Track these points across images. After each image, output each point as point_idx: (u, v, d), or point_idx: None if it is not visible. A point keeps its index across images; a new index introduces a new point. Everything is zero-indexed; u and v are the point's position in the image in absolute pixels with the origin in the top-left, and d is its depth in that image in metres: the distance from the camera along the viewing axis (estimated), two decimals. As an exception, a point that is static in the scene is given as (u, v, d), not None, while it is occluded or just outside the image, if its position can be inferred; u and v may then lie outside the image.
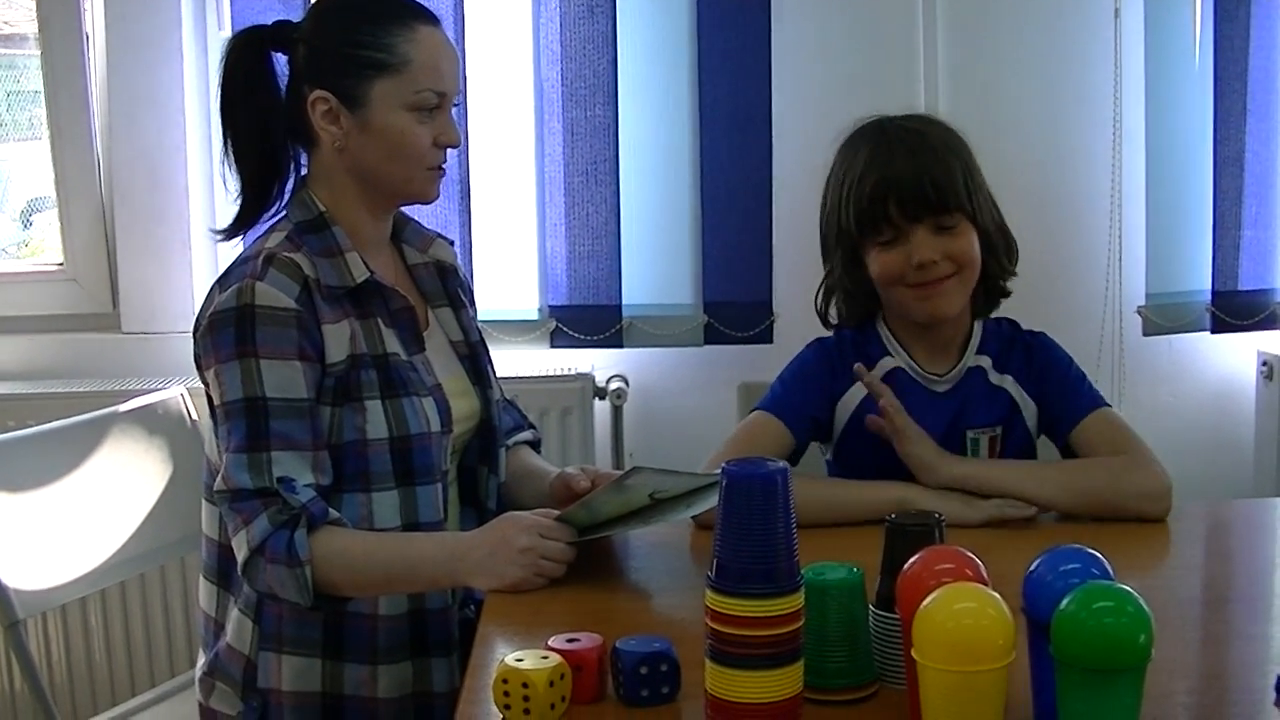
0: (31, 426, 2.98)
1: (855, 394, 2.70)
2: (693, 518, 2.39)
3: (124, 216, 4.00)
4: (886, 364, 2.71)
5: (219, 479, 2.33)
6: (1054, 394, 2.69)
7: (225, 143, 2.53)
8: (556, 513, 2.29)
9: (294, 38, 2.50)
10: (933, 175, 2.57)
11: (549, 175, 3.95)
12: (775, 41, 3.93)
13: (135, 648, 3.87)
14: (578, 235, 3.94)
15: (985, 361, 2.70)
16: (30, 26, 4.06)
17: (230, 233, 2.58)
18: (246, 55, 2.51)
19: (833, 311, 2.81)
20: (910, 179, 2.57)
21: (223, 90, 2.53)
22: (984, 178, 2.69)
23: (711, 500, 2.25)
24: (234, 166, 2.53)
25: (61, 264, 4.11)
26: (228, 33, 3.91)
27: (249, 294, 2.33)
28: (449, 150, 2.54)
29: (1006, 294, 2.75)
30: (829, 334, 2.80)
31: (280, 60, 2.53)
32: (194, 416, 3.14)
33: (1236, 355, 4.18)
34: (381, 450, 2.39)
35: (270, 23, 2.54)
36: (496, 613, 2.13)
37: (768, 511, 1.61)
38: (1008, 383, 2.69)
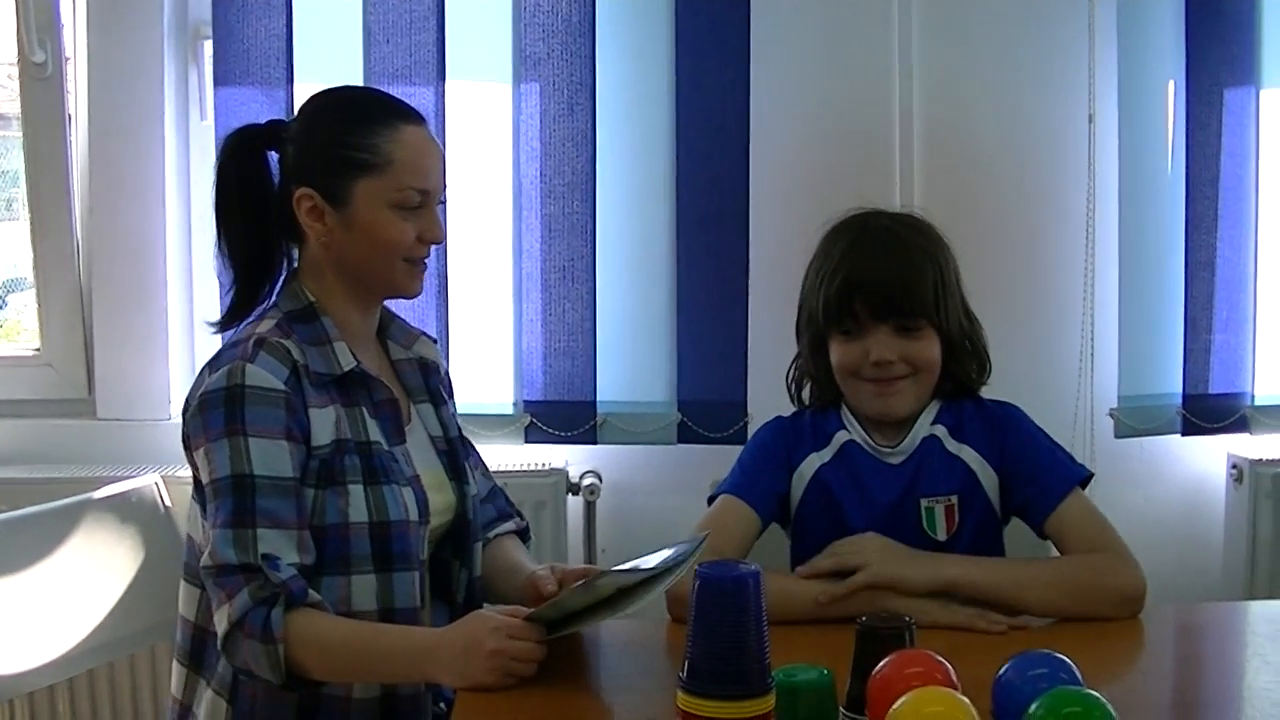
0: (3, 512, 2.97)
1: (810, 464, 2.73)
2: (669, 614, 2.39)
3: (102, 303, 4.01)
4: (841, 437, 2.74)
5: (205, 554, 2.33)
6: (1024, 474, 2.68)
7: (219, 238, 2.57)
8: (526, 611, 2.29)
9: (284, 137, 2.55)
10: (902, 278, 2.62)
11: (526, 271, 3.97)
12: (753, 143, 3.96)
13: (103, 737, 3.85)
14: (554, 331, 3.96)
15: (940, 430, 2.71)
16: (11, 107, 4.09)
17: (223, 325, 2.61)
18: (240, 153, 2.56)
19: (806, 392, 2.83)
20: (879, 279, 2.62)
21: (217, 188, 2.57)
22: (961, 286, 2.71)
23: (678, 574, 2.26)
24: (227, 262, 2.57)
25: (38, 349, 4.11)
26: (210, 124, 3.94)
27: (239, 375, 2.36)
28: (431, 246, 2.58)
29: (973, 393, 2.77)
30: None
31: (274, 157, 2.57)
32: (167, 504, 3.14)
33: (1207, 458, 4.19)
34: (362, 534, 2.41)
35: (264, 122, 2.60)
36: (468, 712, 2.12)
37: (739, 613, 1.62)
38: (965, 452, 2.69)
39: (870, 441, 2.72)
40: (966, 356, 2.71)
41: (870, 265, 2.64)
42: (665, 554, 2.32)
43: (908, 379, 2.64)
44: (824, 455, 2.73)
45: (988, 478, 2.69)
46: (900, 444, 2.71)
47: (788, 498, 2.74)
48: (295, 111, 2.67)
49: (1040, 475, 2.67)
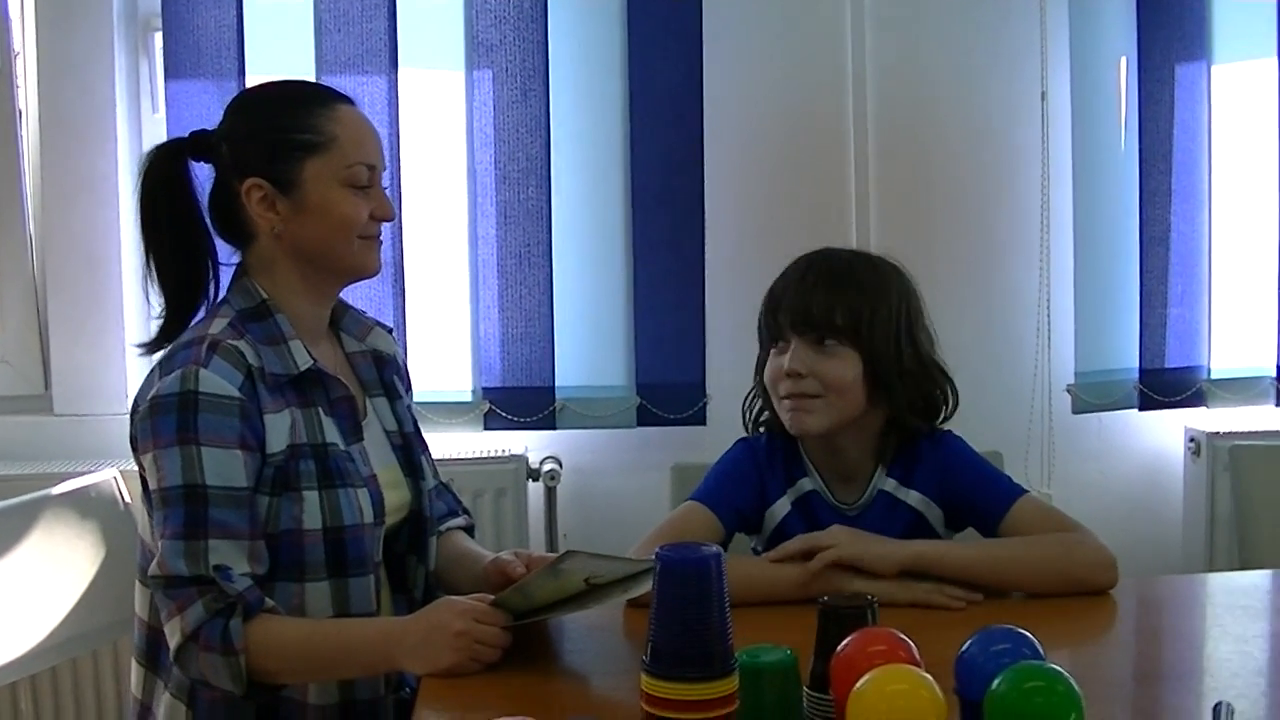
0: (-39, 511, 2.95)
1: (782, 505, 2.76)
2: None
3: (57, 298, 3.99)
4: (804, 485, 2.77)
5: (154, 564, 2.30)
6: (971, 493, 2.72)
7: (147, 259, 2.52)
8: (491, 597, 2.28)
9: (213, 141, 2.50)
10: (823, 294, 2.66)
11: (482, 258, 3.97)
12: (707, 124, 3.97)
13: (66, 733, 3.84)
14: (511, 317, 3.96)
15: (891, 484, 2.75)
16: (-38, 104, 4.06)
17: (153, 347, 2.54)
18: (165, 170, 2.51)
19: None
20: (800, 293, 2.68)
21: (142, 208, 2.51)
22: (913, 325, 2.72)
23: (646, 585, 2.25)
24: (157, 282, 2.53)
25: (-8, 346, 4.09)
26: (161, 116, 3.93)
27: (193, 380, 2.31)
28: (384, 225, 2.56)
29: (915, 439, 2.77)
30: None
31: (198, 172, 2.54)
32: (126, 499, 3.12)
33: (1164, 432, 4.23)
34: (316, 541, 2.38)
35: (186, 134, 2.55)
36: (433, 697, 2.12)
37: (702, 596, 1.62)
38: (912, 497, 2.73)
39: (830, 495, 2.75)
40: (899, 392, 2.71)
41: (797, 284, 2.70)
42: (627, 561, 2.33)
43: (819, 399, 2.66)
44: (788, 501, 2.76)
45: (933, 514, 2.74)
46: (857, 501, 2.74)
47: (757, 521, 2.77)
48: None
49: (986, 491, 2.71)
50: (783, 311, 2.68)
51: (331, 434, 2.45)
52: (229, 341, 2.38)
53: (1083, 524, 2.63)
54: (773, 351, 2.73)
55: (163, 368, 2.39)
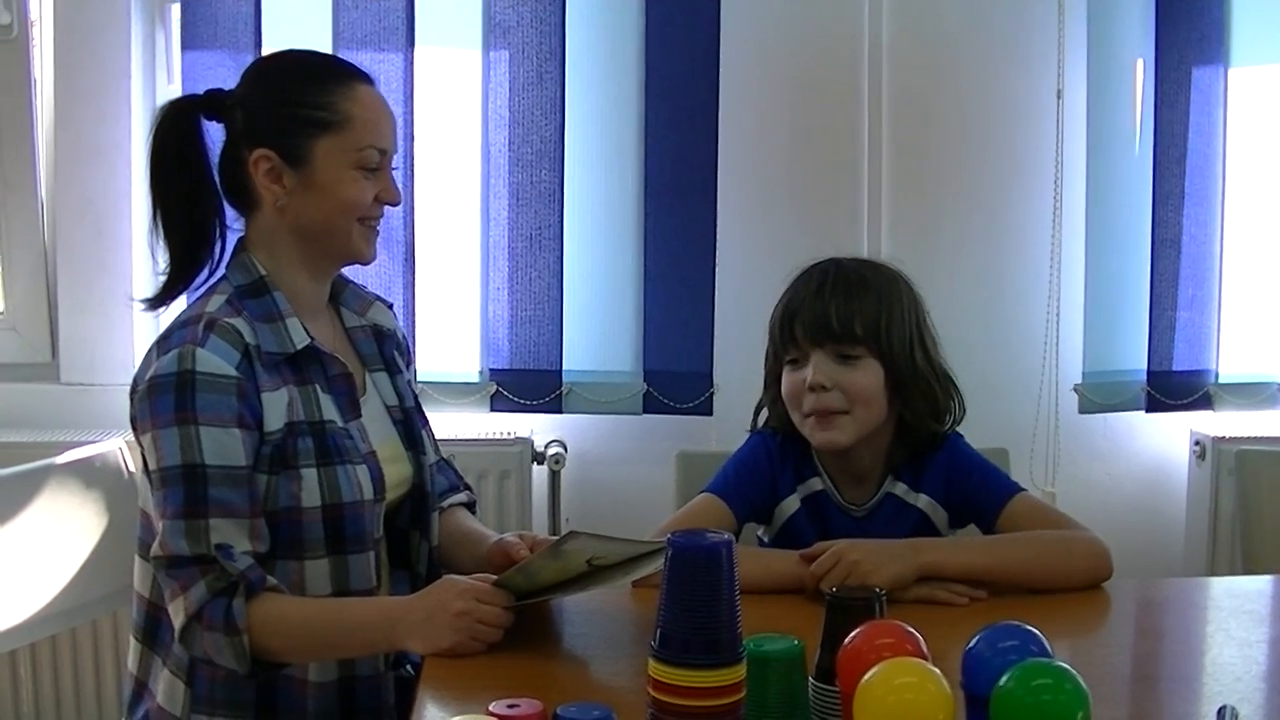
0: (-35, 477, 2.95)
1: (791, 503, 2.78)
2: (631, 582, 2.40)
3: (66, 267, 4.00)
4: (814, 485, 2.78)
5: (155, 544, 2.30)
6: (972, 491, 2.75)
7: (154, 215, 2.51)
8: (494, 577, 2.29)
9: (228, 104, 2.49)
10: (841, 305, 2.65)
11: (493, 239, 3.97)
12: (722, 113, 3.97)
13: (64, 703, 3.83)
14: (520, 300, 3.96)
15: (900, 488, 2.76)
16: (-24, 71, 4.06)
17: (155, 304, 2.55)
18: (179, 125, 2.50)
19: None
20: (818, 305, 2.66)
21: (153, 162, 2.51)
22: (924, 331, 2.74)
23: (649, 567, 2.26)
24: (163, 238, 2.51)
25: (1, 312, 4.08)
26: (177, 86, 3.92)
27: (190, 360, 2.31)
28: (391, 210, 2.56)
29: (927, 445, 2.78)
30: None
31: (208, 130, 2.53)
32: (131, 470, 3.10)
33: (1170, 435, 4.23)
34: (315, 518, 2.38)
35: (201, 93, 2.54)
36: (435, 677, 2.12)
37: (712, 583, 1.62)
38: (920, 500, 2.75)
39: (838, 495, 2.77)
40: (915, 398, 2.72)
41: (811, 294, 2.69)
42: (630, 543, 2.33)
43: (846, 414, 2.66)
44: (797, 499, 2.78)
45: (939, 516, 2.76)
46: (866, 503, 2.76)
47: (768, 514, 2.79)
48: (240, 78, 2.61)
49: (985, 489, 2.74)
50: (799, 324, 2.67)
51: (329, 411, 2.45)
52: (226, 320, 2.38)
53: (1077, 520, 2.67)
54: (787, 367, 2.72)
55: (160, 347, 2.39)
